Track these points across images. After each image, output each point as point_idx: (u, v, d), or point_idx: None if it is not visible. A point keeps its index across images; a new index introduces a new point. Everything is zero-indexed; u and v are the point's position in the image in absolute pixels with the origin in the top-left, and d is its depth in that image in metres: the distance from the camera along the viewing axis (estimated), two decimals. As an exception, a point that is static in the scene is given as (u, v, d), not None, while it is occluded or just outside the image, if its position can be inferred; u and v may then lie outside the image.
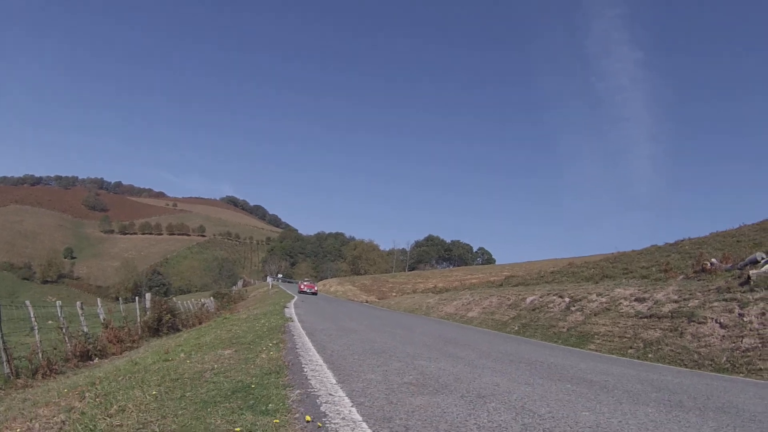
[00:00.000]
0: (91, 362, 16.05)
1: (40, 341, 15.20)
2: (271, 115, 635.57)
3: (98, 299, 26.67)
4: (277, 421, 3.51)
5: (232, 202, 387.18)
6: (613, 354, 12.57)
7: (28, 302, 16.62)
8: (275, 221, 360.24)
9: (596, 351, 13.18)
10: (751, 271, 13.15)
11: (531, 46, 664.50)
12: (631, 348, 12.74)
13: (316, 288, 57.87)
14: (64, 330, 16.91)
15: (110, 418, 4.21)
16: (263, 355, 6.40)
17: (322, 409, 3.78)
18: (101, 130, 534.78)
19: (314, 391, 4.32)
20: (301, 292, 53.90)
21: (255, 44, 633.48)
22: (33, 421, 5.05)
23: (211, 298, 54.21)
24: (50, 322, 18.17)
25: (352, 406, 3.91)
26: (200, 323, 25.78)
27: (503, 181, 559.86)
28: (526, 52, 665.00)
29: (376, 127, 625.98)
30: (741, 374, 9.45)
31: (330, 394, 4.26)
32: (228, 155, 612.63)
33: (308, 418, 3.52)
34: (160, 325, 23.58)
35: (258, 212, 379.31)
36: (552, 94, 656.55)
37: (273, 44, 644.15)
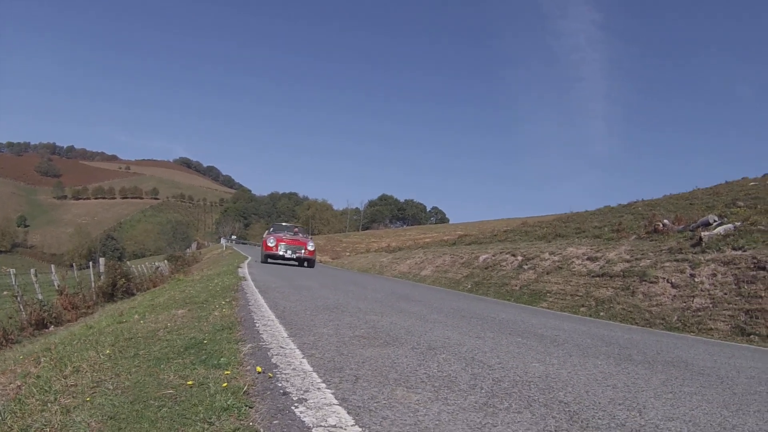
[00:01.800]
0: (47, 330, 16.00)
1: (-5, 311, 15.08)
2: (224, 72, 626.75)
3: (52, 266, 26.40)
4: (229, 372, 3.58)
5: (185, 164, 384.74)
6: (565, 311, 12.84)
7: (-19, 273, 16.47)
8: (229, 182, 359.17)
9: (548, 308, 13.46)
10: (703, 233, 13.55)
11: (488, 3, 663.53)
12: (583, 306, 13.06)
13: (311, 246, 24.77)
14: (18, 299, 16.77)
15: (65, 378, 4.26)
16: (216, 313, 6.45)
17: (273, 360, 3.84)
18: (52, 90, 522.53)
19: (266, 345, 4.37)
20: (271, 256, 24.19)
21: None
22: (-11, 390, 5.07)
23: (165, 261, 53.69)
24: (6, 292, 18.00)
25: (303, 358, 3.99)
26: (154, 286, 25.71)
27: (458, 140, 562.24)
28: (483, 9, 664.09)
29: (329, 83, 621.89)
30: (692, 333, 9.75)
31: (281, 347, 4.32)
32: (181, 114, 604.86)
33: (259, 369, 3.58)
34: (115, 290, 23.54)
35: (211, 173, 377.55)
36: (508, 52, 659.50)
37: None
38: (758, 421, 3.43)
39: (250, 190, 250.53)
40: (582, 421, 3.03)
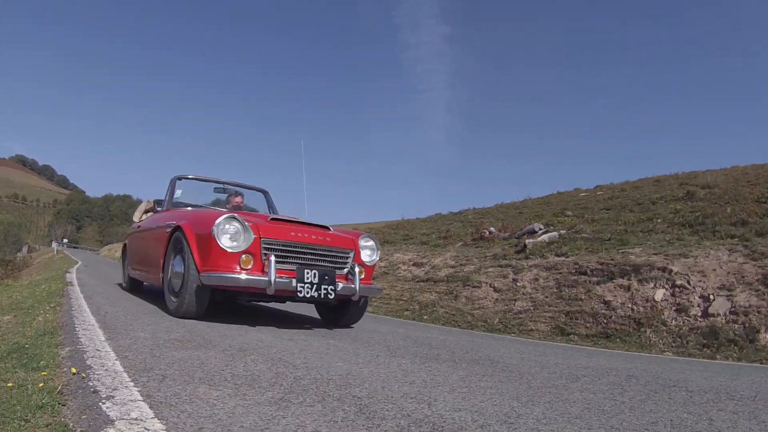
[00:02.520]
0: None
1: None
2: (63, 64, 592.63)
3: None
4: (46, 374, 3.81)
5: (22, 161, 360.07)
6: (388, 315, 13.11)
7: None
8: (63, 182, 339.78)
9: (373, 313, 13.60)
10: (527, 240, 14.46)
11: (341, 11, 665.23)
12: (407, 310, 13.43)
13: (368, 251, 7.13)
14: None
15: None
16: (40, 318, 6.50)
17: (88, 362, 4.07)
18: None
19: (83, 348, 4.60)
20: (224, 283, 6.14)
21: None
22: None
23: (-6, 266, 50.61)
24: None
25: (116, 359, 4.25)
26: (-19, 292, 24.49)
27: (299, 142, 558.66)
28: (336, 16, 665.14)
29: (171, 78, 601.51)
30: (512, 334, 10.25)
31: (97, 350, 4.57)
32: (17, 110, 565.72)
33: (74, 370, 3.82)
34: (-60, 296, 22.28)
35: (46, 172, 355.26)
36: (357, 60, 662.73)
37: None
38: (545, 410, 3.78)
39: (84, 192, 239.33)
40: (370, 413, 3.31)
